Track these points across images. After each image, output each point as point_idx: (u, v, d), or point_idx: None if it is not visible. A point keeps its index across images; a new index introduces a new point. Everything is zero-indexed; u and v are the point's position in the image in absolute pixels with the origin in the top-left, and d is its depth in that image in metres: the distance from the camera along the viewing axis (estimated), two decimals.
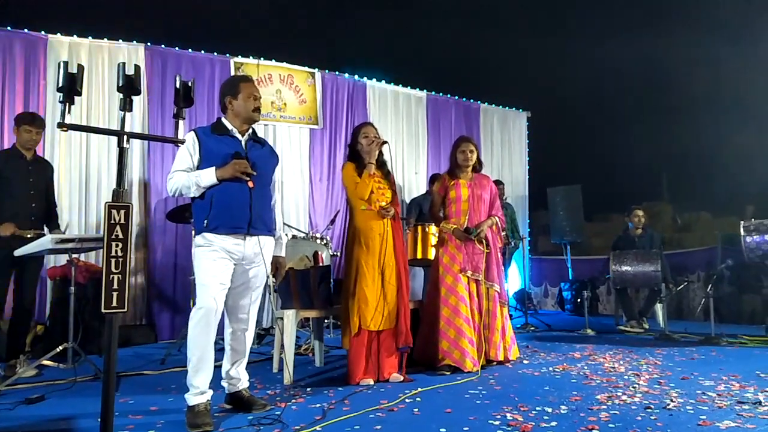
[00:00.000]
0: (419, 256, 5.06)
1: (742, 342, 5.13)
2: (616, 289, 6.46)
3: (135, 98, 2.03)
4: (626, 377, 3.64)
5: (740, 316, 7.45)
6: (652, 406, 2.86)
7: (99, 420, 1.99)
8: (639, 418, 2.67)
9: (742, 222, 5.21)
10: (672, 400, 2.97)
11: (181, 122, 2.03)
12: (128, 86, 1.87)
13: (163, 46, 6.33)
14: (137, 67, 1.93)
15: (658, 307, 6.25)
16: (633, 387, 3.33)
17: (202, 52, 6.59)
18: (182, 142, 2.09)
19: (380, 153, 3.87)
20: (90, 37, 5.96)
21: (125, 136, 1.86)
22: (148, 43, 6.22)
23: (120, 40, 6.11)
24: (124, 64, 1.90)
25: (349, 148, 3.97)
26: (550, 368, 4.03)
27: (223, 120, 2.99)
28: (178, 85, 2.07)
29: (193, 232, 2.97)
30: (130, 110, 1.88)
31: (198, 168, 2.85)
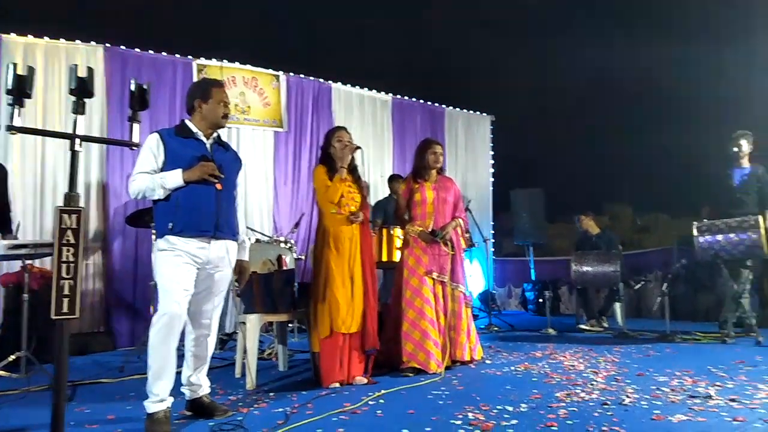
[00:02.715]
0: (384, 258, 5.09)
1: (695, 338, 5.30)
2: (577, 289, 6.61)
3: (95, 100, 1.99)
4: (585, 375, 3.72)
5: (695, 313, 7.70)
6: (609, 402, 2.93)
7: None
8: (596, 414, 2.73)
9: (695, 223, 5.37)
10: (628, 396, 3.05)
11: (136, 125, 2.00)
12: (81, 89, 1.84)
13: (122, 47, 6.20)
14: (90, 70, 1.89)
15: (617, 307, 6.41)
16: (591, 384, 3.41)
17: (164, 53, 6.48)
18: (136, 145, 2.05)
19: (352, 158, 3.90)
20: (46, 38, 5.80)
21: (77, 140, 1.82)
22: (107, 44, 6.08)
23: (78, 41, 5.96)
24: (76, 66, 1.86)
25: (321, 151, 3.98)
26: (512, 367, 4.09)
27: (188, 122, 2.96)
28: (133, 88, 2.04)
29: (153, 236, 2.92)
30: (83, 113, 1.85)
31: (162, 170, 2.81)
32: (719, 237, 5.16)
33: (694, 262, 6.06)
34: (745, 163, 5.62)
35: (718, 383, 3.34)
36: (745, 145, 5.60)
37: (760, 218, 5.06)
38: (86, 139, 2.00)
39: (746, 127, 5.69)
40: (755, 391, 3.11)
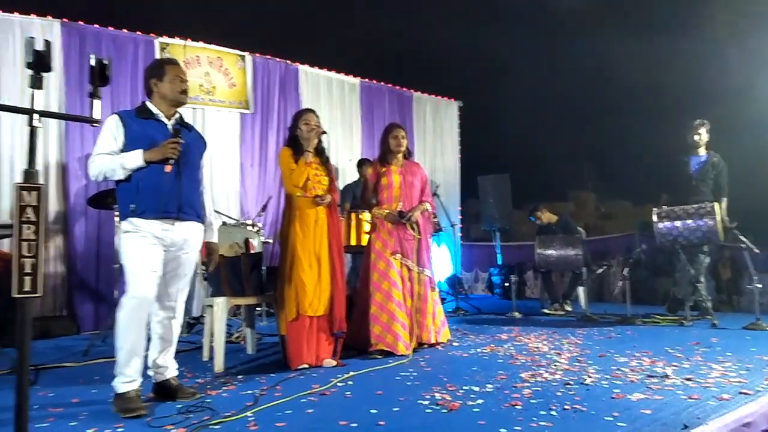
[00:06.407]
0: (353, 242, 5.09)
1: (654, 321, 5.47)
2: (541, 272, 6.73)
3: (52, 78, 1.91)
4: (549, 356, 3.81)
5: (655, 297, 7.94)
6: (571, 382, 3.02)
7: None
8: (559, 393, 2.81)
9: (654, 209, 5.52)
10: (589, 376, 3.14)
11: (96, 102, 1.94)
12: (38, 62, 1.75)
13: (81, 22, 5.99)
14: (47, 42, 1.81)
15: (581, 290, 6.56)
16: (554, 365, 3.49)
17: (125, 30, 6.29)
18: (97, 121, 1.98)
19: (319, 141, 3.88)
20: None
21: (35, 115, 1.75)
22: (65, 20, 5.87)
23: (33, 15, 5.73)
24: (32, 38, 1.78)
25: (289, 132, 3.96)
26: (479, 349, 4.16)
27: (148, 104, 2.91)
28: (93, 63, 1.96)
29: (116, 218, 2.87)
30: (41, 88, 1.77)
31: (122, 152, 2.76)
32: (677, 223, 5.31)
33: (654, 247, 6.24)
34: (702, 151, 5.79)
35: (674, 363, 3.47)
36: (704, 134, 5.77)
37: (716, 205, 5.24)
38: (45, 114, 1.92)
39: (704, 117, 5.85)
40: (709, 371, 3.23)
